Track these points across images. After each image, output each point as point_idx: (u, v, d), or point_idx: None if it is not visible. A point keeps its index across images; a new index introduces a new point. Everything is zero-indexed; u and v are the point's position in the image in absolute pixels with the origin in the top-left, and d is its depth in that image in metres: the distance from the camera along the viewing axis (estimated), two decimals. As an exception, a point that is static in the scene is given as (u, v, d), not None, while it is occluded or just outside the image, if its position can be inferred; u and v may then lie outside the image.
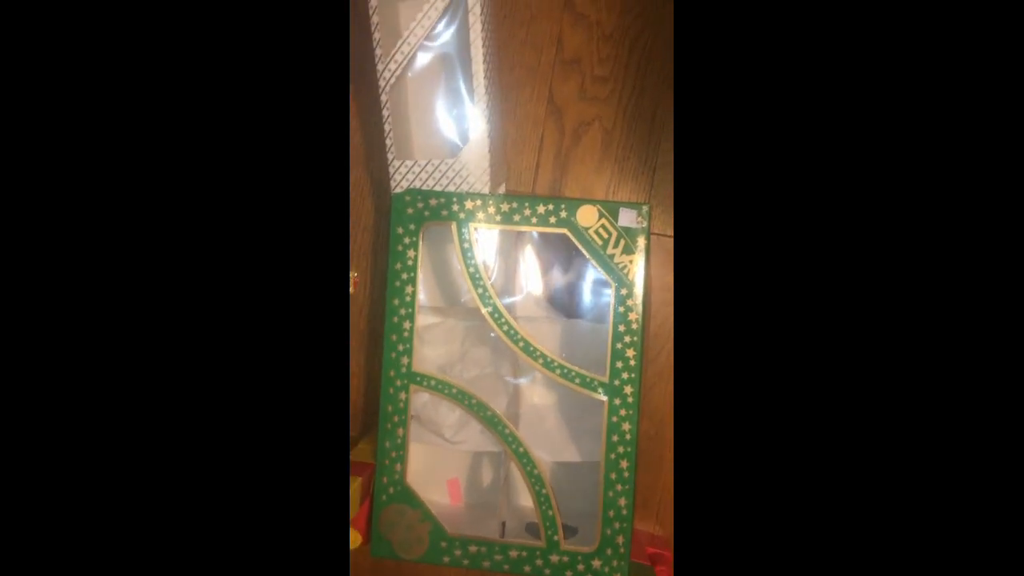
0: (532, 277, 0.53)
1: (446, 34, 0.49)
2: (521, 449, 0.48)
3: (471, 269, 0.48)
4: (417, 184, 0.48)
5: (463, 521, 0.51)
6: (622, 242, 0.47)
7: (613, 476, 0.46)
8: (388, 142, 0.48)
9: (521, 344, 0.47)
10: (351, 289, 0.57)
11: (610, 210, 0.47)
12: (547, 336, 0.52)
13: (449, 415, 0.51)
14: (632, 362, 0.46)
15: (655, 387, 0.56)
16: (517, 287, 0.53)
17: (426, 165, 0.48)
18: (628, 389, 0.46)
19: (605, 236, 0.47)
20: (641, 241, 0.47)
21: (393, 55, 0.47)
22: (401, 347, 0.48)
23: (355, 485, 0.49)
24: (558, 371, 0.47)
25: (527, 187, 0.57)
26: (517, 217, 0.47)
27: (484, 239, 0.49)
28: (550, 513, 0.48)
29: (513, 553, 0.48)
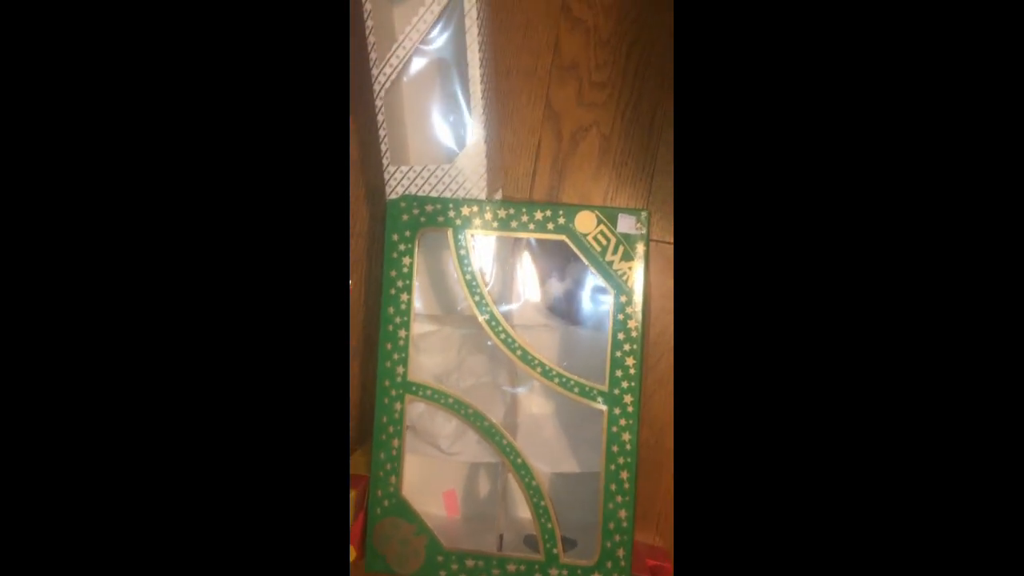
0: (530, 284, 0.52)
1: (442, 39, 0.48)
2: (519, 460, 0.47)
3: (468, 276, 0.47)
4: (412, 190, 0.48)
5: (460, 534, 0.50)
6: (621, 248, 0.46)
7: (613, 487, 0.46)
8: (383, 147, 0.48)
9: (519, 353, 0.47)
10: (345, 297, 0.56)
11: (609, 216, 0.46)
12: (545, 344, 0.51)
13: (445, 425, 0.50)
14: (632, 371, 0.46)
15: (655, 395, 0.55)
16: (514, 294, 0.52)
17: (422, 171, 0.47)
18: (628, 398, 0.46)
19: (604, 242, 0.46)
20: (640, 247, 0.46)
21: (388, 59, 0.46)
22: (396, 356, 0.48)
23: (349, 498, 0.48)
24: (556, 380, 0.47)
25: (524, 193, 0.56)
26: (514, 223, 0.47)
27: (481, 246, 0.48)
28: (549, 526, 0.47)
29: (511, 567, 0.47)
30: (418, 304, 0.49)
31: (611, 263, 0.46)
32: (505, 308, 0.51)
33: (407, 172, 0.47)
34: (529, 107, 0.56)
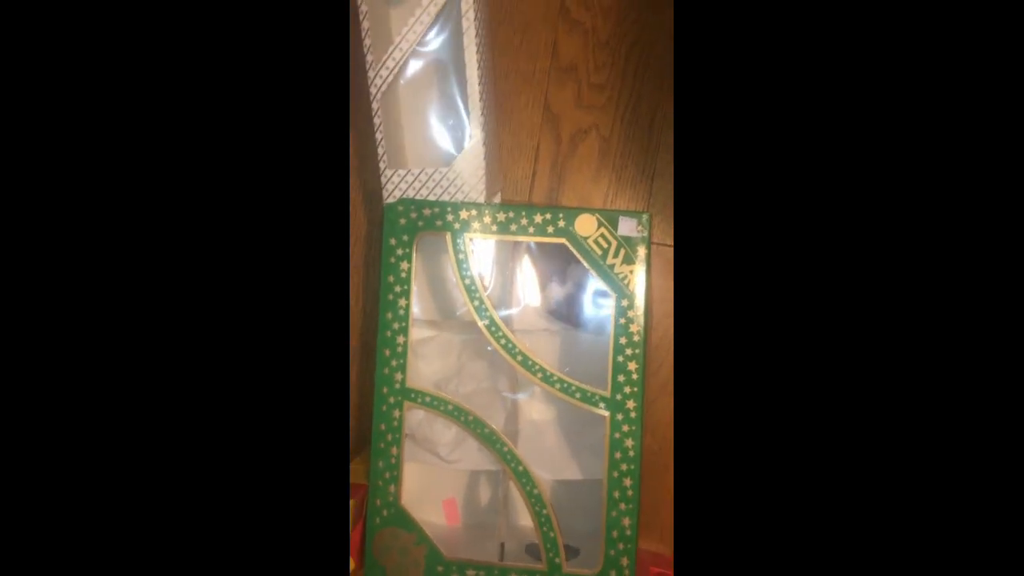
0: (530, 288, 0.52)
1: (439, 40, 0.48)
2: (520, 467, 0.47)
3: (467, 281, 0.47)
4: (410, 194, 0.47)
5: (460, 543, 0.50)
6: (622, 252, 0.46)
7: (616, 495, 0.45)
8: (380, 151, 0.47)
9: (519, 358, 0.46)
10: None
11: (609, 219, 0.46)
12: (546, 349, 0.51)
13: (445, 433, 0.50)
14: (634, 375, 0.45)
15: (657, 400, 0.54)
16: (514, 299, 0.52)
17: (419, 174, 0.47)
18: (631, 404, 0.45)
19: (605, 246, 0.46)
20: (641, 250, 0.45)
21: (384, 62, 0.46)
22: (394, 362, 0.47)
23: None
24: (558, 385, 0.46)
25: (523, 196, 0.56)
26: (514, 227, 0.46)
27: (480, 250, 0.48)
28: (551, 534, 0.46)
29: (513, 576, 0.46)
30: (416, 309, 0.48)
31: (612, 266, 0.46)
32: (505, 313, 0.50)
33: (404, 176, 0.47)
34: (528, 109, 0.55)
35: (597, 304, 0.50)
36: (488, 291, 0.47)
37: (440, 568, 0.47)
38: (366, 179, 0.56)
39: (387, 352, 0.47)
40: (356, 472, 0.52)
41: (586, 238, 0.46)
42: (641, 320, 0.45)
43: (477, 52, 0.45)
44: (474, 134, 0.46)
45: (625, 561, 0.45)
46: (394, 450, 0.47)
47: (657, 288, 0.54)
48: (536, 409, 0.52)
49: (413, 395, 0.47)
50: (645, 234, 0.46)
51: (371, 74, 0.46)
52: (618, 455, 0.45)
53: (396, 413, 0.47)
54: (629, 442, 0.45)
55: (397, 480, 0.47)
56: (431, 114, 0.50)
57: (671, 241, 0.54)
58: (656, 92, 0.54)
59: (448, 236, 0.47)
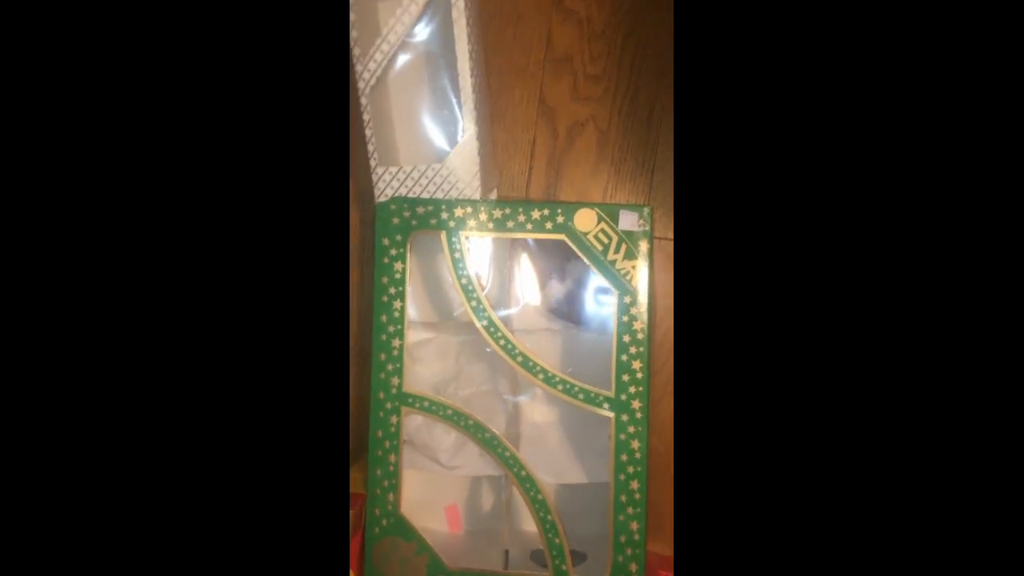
0: (529, 287, 0.51)
1: (429, 32, 0.47)
2: (523, 472, 0.46)
3: (463, 280, 0.45)
4: (403, 192, 0.46)
5: (463, 551, 0.49)
6: (623, 247, 0.44)
7: (623, 498, 0.44)
8: (370, 148, 0.46)
9: (520, 359, 0.45)
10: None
11: (609, 213, 0.44)
12: (547, 349, 0.50)
13: (444, 438, 0.49)
14: (639, 375, 0.44)
15: (662, 400, 0.53)
16: (513, 298, 0.51)
17: (411, 171, 0.46)
18: (636, 404, 0.44)
19: (605, 241, 0.44)
20: (643, 245, 0.44)
21: (372, 55, 0.45)
22: (391, 367, 0.46)
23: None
24: (560, 387, 0.45)
25: (520, 192, 0.55)
26: (511, 224, 0.45)
27: (476, 248, 0.47)
28: (556, 541, 0.45)
29: (518, 585, 0.45)
30: (412, 311, 0.47)
31: (613, 262, 0.44)
32: (504, 313, 0.49)
33: (396, 173, 0.46)
34: (522, 103, 0.54)
35: (599, 301, 0.49)
36: (486, 291, 0.46)
37: (442, 578, 0.46)
38: (357, 177, 0.55)
39: (382, 356, 0.46)
40: (354, 481, 0.51)
41: (586, 233, 0.45)
42: (645, 317, 0.44)
43: (468, 43, 0.44)
44: (467, 128, 0.45)
45: (634, 567, 0.44)
46: (392, 457, 0.46)
47: (660, 284, 0.53)
48: (538, 411, 0.51)
49: (411, 400, 0.46)
50: (647, 228, 0.44)
51: (359, 68, 0.45)
52: (624, 457, 0.44)
53: (393, 419, 0.46)
54: (635, 443, 0.44)
55: (396, 488, 0.46)
56: (422, 109, 0.49)
57: (673, 235, 0.53)
58: (654, 82, 0.53)
59: (443, 235, 0.45)
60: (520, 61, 0.54)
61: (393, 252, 0.46)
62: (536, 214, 0.45)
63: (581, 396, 0.45)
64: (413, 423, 0.49)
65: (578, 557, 0.47)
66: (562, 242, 0.45)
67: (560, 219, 0.45)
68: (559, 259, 0.50)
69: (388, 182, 0.46)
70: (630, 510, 0.44)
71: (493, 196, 0.50)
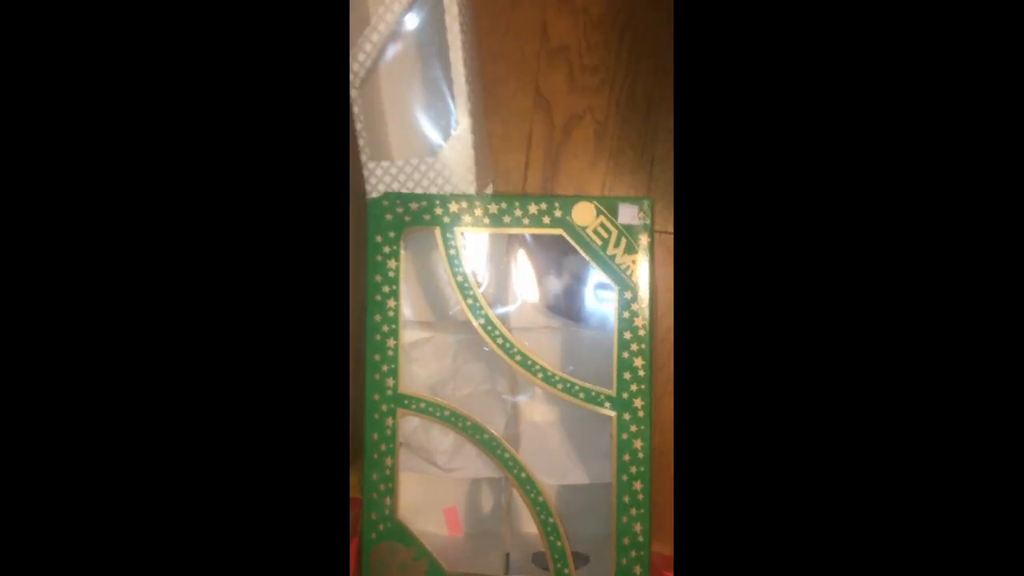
0: (527, 284, 0.50)
1: (420, 22, 0.46)
2: (523, 474, 0.45)
3: (459, 278, 0.45)
4: (395, 187, 0.45)
5: (462, 555, 0.48)
6: (623, 241, 0.43)
7: (626, 499, 0.43)
8: (361, 142, 0.45)
9: (518, 358, 0.44)
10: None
11: (609, 207, 0.43)
12: (546, 348, 0.49)
13: (442, 440, 0.48)
14: (641, 372, 0.43)
15: (664, 397, 0.52)
16: (511, 295, 0.50)
17: (404, 166, 0.45)
18: (638, 402, 0.43)
19: (605, 235, 0.43)
20: (644, 239, 0.43)
21: (362, 46, 0.43)
22: (385, 367, 0.45)
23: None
24: (560, 386, 0.44)
25: (516, 187, 0.54)
26: (507, 219, 0.44)
27: (472, 244, 0.46)
28: (558, 543, 0.44)
29: (519, 589, 0.45)
30: (407, 310, 0.46)
31: (613, 257, 0.43)
32: (501, 310, 0.49)
33: (388, 168, 0.45)
34: (517, 94, 0.53)
35: (599, 298, 0.48)
36: (482, 288, 0.45)
37: (442, 584, 0.45)
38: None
39: (377, 357, 0.45)
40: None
41: (585, 228, 0.43)
42: (646, 313, 0.43)
43: (461, 31, 0.43)
44: (461, 121, 0.44)
45: (638, 569, 0.43)
46: (389, 460, 0.45)
47: (661, 279, 0.52)
48: (538, 411, 0.50)
49: (407, 401, 0.45)
50: (647, 221, 0.43)
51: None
52: (627, 457, 0.43)
53: (389, 421, 0.45)
54: (638, 443, 0.43)
55: (393, 492, 0.45)
56: (414, 101, 0.48)
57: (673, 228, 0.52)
58: (653, 73, 0.52)
59: (437, 231, 0.44)
60: (515, 51, 0.53)
61: (386, 249, 0.45)
62: (533, 208, 0.44)
63: (582, 395, 0.44)
64: (410, 425, 0.48)
65: (580, 559, 0.46)
66: (560, 237, 0.44)
67: (558, 213, 0.44)
68: (557, 254, 0.49)
69: (380, 177, 0.45)
70: (633, 511, 0.43)
71: (489, 190, 0.49)
